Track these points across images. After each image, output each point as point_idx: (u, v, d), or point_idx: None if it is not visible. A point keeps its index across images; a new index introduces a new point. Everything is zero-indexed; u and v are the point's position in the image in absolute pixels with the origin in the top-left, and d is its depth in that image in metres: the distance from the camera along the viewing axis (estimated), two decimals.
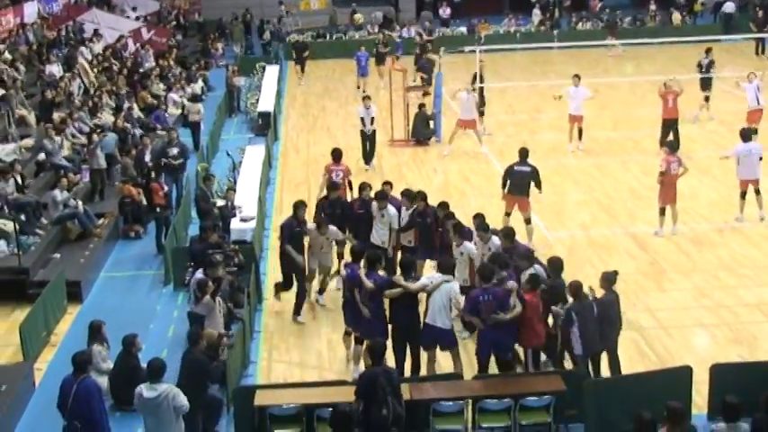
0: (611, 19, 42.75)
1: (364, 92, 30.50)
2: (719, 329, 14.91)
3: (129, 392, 12.71)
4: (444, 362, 13.43)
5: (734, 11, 43.29)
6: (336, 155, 18.86)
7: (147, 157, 21.39)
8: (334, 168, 18.60)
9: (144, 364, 12.96)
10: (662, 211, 18.68)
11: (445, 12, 46.91)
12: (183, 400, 10.74)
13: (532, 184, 18.18)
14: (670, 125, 23.99)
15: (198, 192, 19.45)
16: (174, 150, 21.30)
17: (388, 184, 17.04)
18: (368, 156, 24.20)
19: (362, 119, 24.11)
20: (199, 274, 14.24)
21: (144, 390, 10.80)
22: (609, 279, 12.86)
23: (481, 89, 26.67)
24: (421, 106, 26.42)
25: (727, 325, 15.04)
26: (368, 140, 24.17)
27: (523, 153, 18.39)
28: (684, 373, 12.07)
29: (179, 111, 29.52)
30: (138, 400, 10.87)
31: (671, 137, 23.27)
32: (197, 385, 11.66)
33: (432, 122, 26.48)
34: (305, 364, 14.37)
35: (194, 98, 29.10)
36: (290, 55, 37.97)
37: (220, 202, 18.66)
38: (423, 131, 26.25)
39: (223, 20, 46.81)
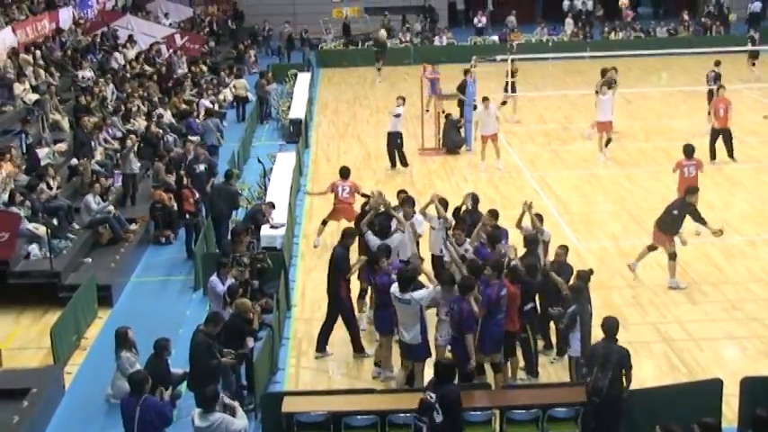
0: (380, 44, 41.64)
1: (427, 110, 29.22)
2: (750, 342, 14.80)
3: None
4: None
5: (760, 10, 43.16)
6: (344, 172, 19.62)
7: None
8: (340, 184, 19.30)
9: (174, 369, 13.07)
10: None
11: (480, 21, 46.83)
12: (236, 424, 10.75)
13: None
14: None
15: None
16: (202, 167, 20.85)
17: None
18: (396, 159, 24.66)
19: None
20: (213, 277, 14.25)
21: (196, 417, 10.77)
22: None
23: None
24: (447, 116, 26.39)
25: (759, 338, 14.91)
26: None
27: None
28: (714, 386, 11.98)
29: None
30: (193, 425, 10.87)
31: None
32: (204, 363, 12.08)
33: (462, 131, 26.46)
34: (333, 371, 14.38)
35: (240, 75, 29.70)
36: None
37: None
38: (453, 140, 26.22)
39: (256, 27, 47.04)
